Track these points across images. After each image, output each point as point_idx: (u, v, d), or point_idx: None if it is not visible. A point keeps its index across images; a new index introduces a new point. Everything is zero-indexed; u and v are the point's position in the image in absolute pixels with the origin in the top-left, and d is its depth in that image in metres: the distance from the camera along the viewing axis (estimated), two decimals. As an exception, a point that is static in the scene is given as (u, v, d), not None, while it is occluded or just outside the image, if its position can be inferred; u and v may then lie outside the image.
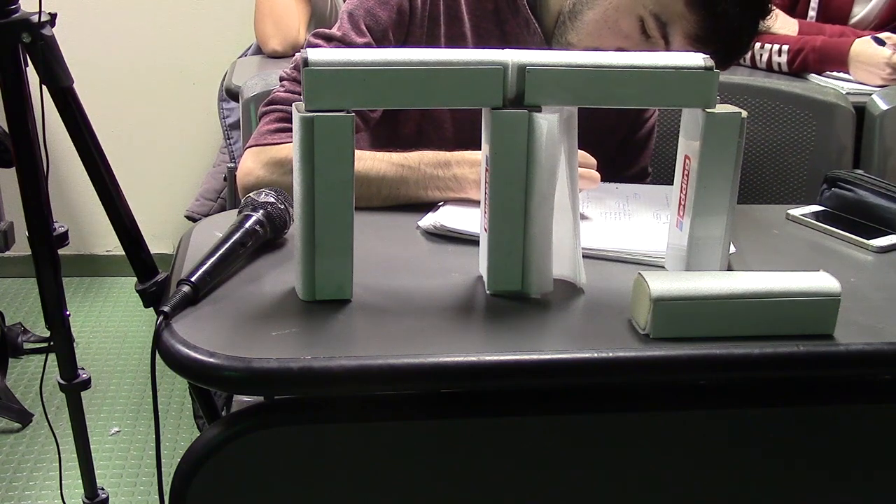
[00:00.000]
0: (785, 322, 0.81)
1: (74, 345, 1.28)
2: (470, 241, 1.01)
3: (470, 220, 1.04)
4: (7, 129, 1.03)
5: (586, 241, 0.95)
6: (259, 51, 2.36)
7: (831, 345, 0.83)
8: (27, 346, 2.46)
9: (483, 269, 0.89)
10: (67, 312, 1.20)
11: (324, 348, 0.78)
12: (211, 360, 0.75)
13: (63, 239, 1.13)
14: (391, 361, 0.77)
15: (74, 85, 1.03)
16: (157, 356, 0.77)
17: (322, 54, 0.79)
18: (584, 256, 0.91)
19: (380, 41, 1.24)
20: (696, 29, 1.15)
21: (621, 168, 1.42)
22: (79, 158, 1.05)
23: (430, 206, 1.10)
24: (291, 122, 0.89)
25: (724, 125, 0.85)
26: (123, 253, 1.08)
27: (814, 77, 2.15)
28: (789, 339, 0.83)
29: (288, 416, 0.82)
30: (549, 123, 0.82)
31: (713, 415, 0.87)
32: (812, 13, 2.41)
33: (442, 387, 0.83)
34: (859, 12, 2.38)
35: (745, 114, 0.86)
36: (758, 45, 2.18)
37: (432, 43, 1.27)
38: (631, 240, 1.02)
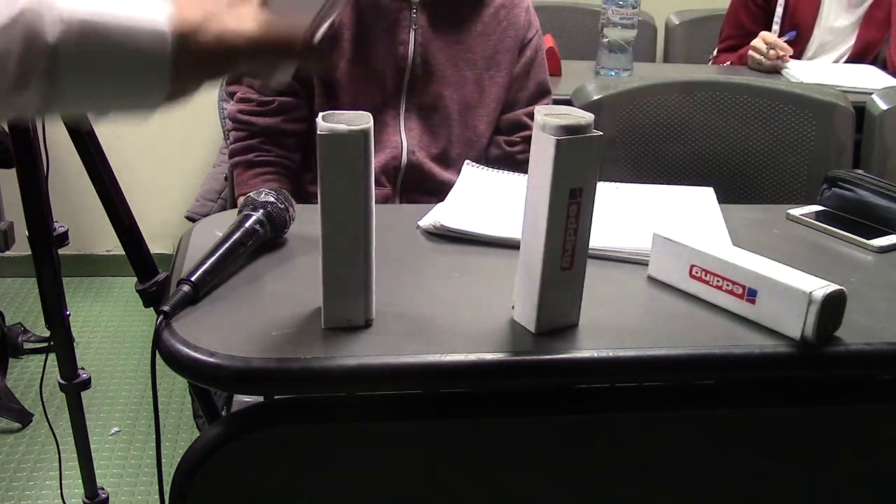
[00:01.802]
0: None
1: (74, 345, 1.28)
2: (470, 240, 1.01)
3: (470, 219, 1.04)
4: (7, 129, 1.04)
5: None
6: (259, 51, 2.35)
7: (831, 345, 0.83)
8: (27, 346, 2.46)
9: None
10: (67, 312, 1.20)
11: (324, 348, 0.78)
12: (211, 359, 0.75)
13: (63, 239, 1.14)
14: (391, 361, 0.77)
15: (74, 85, 1.03)
16: (157, 356, 0.77)
17: None
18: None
19: None
20: None
21: (519, 90, 1.53)
22: (79, 158, 1.05)
23: (431, 206, 1.10)
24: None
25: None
26: (123, 253, 1.08)
27: (813, 77, 2.15)
28: (788, 340, 0.83)
29: (288, 416, 0.82)
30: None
31: (713, 415, 0.87)
32: (776, 27, 2.45)
33: (442, 387, 0.83)
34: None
35: None
36: None
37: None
38: (629, 238, 1.02)
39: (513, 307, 0.85)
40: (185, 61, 0.63)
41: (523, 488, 0.86)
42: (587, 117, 0.77)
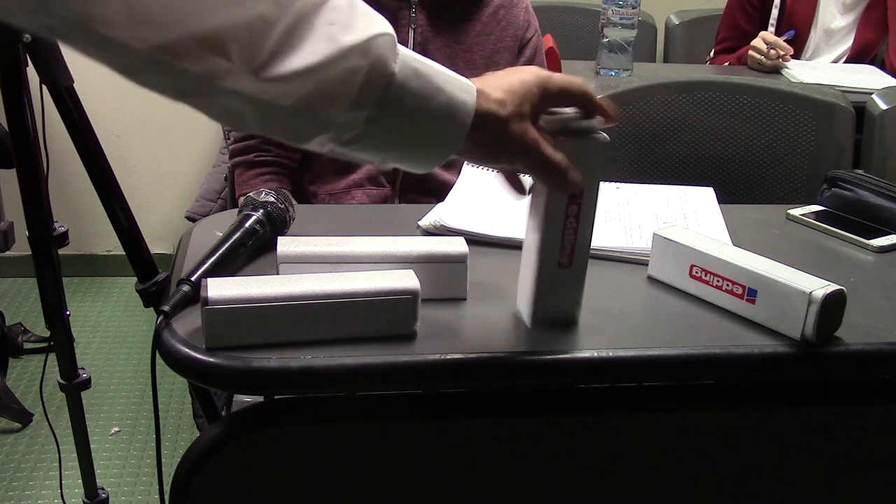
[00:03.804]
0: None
1: (74, 345, 1.28)
2: (470, 240, 1.01)
3: (470, 219, 1.04)
4: (7, 129, 1.04)
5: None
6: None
7: (831, 345, 0.83)
8: (27, 346, 2.46)
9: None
10: (67, 312, 1.20)
11: (324, 348, 0.78)
12: (211, 359, 0.75)
13: (63, 239, 1.14)
14: (391, 361, 0.77)
15: (74, 85, 1.03)
16: (157, 356, 0.77)
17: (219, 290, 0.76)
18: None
19: None
20: None
21: None
22: (79, 158, 1.05)
23: (431, 206, 1.10)
24: None
25: None
26: (123, 253, 1.08)
27: (813, 77, 2.15)
28: (787, 340, 0.83)
29: (288, 416, 0.82)
30: None
31: (713, 415, 0.87)
32: (771, 28, 2.45)
33: (442, 387, 0.83)
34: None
35: None
36: None
37: None
38: (629, 238, 1.02)
39: (517, 307, 0.85)
40: (475, 136, 0.67)
41: (523, 488, 0.86)
42: (590, 120, 0.77)
